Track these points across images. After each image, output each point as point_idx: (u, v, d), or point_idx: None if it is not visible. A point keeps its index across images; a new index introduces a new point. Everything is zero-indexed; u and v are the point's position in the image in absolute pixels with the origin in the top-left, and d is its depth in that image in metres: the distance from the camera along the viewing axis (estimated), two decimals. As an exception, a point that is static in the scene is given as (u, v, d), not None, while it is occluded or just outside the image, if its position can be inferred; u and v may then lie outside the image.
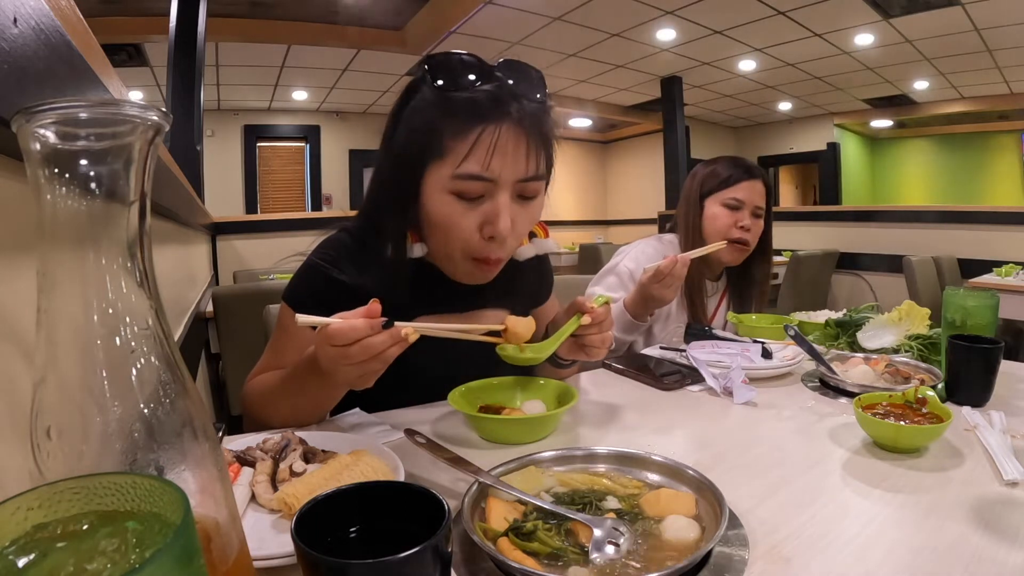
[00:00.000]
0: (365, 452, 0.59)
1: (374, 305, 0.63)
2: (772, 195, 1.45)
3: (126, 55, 4.60)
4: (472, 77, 0.75)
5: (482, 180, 0.74)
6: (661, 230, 1.64)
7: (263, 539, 0.50)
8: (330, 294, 0.79)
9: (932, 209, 4.24)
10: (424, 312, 0.88)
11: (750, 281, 1.51)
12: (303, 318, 0.64)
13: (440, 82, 0.75)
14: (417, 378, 0.87)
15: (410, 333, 0.64)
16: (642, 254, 1.45)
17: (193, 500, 0.25)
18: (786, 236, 4.64)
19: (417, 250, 0.84)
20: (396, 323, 0.63)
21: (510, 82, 0.76)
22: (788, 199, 8.79)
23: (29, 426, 0.28)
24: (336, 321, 0.62)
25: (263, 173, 7.14)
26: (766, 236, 1.45)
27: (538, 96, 0.79)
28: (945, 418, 0.69)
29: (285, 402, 0.77)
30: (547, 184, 0.85)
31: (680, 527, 0.49)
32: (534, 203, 0.81)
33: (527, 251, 0.90)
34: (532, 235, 0.93)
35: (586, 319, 0.82)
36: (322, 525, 0.38)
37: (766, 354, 1.03)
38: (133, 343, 0.29)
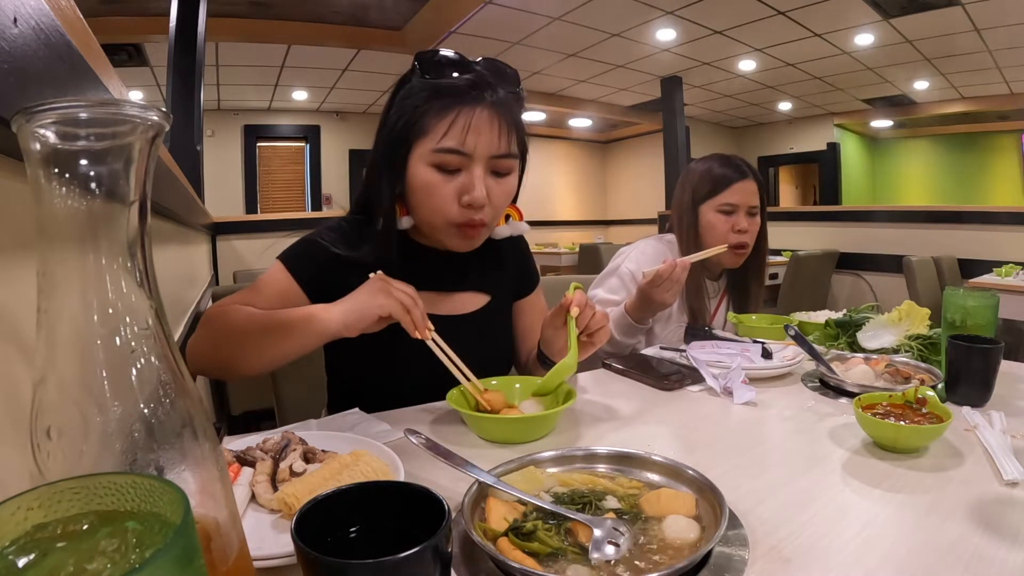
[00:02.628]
0: (365, 452, 0.59)
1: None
2: (765, 191, 1.44)
3: (126, 55, 4.60)
4: (454, 69, 0.85)
5: (458, 154, 0.83)
6: (661, 230, 1.63)
7: (263, 539, 0.50)
8: (325, 264, 0.89)
9: (932, 209, 4.23)
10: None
11: (748, 279, 1.50)
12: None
13: (427, 74, 0.85)
14: (416, 378, 0.88)
15: (430, 328, 0.78)
16: (642, 255, 1.45)
17: (193, 500, 0.25)
18: (786, 236, 4.63)
19: (405, 222, 0.91)
20: (434, 334, 0.79)
21: (487, 74, 0.85)
22: (788, 199, 8.78)
23: (29, 426, 0.28)
24: None
25: (263, 173, 7.13)
26: (761, 233, 1.44)
27: (511, 89, 0.88)
28: (945, 418, 0.69)
29: (255, 335, 0.80)
30: (522, 169, 0.93)
31: (680, 527, 0.49)
32: (508, 179, 0.89)
33: (503, 231, 0.98)
34: (507, 217, 0.98)
35: (575, 310, 0.85)
36: (322, 525, 0.38)
37: (766, 354, 1.03)
38: (133, 343, 0.29)
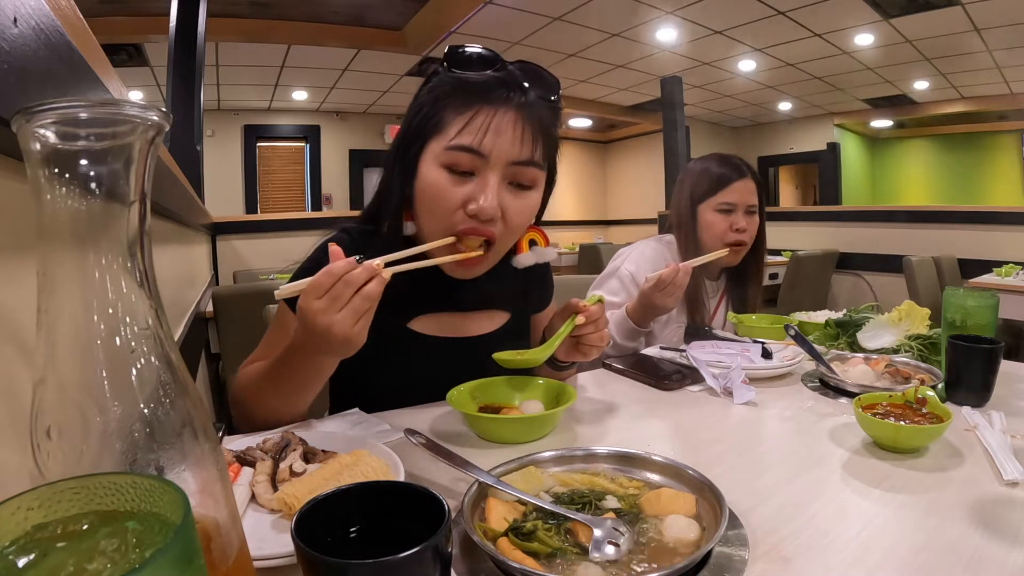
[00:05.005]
0: (365, 452, 0.59)
1: (335, 248, 0.66)
2: (764, 191, 1.44)
3: (126, 55, 4.60)
4: (484, 65, 0.78)
5: (472, 153, 0.75)
6: (661, 230, 1.63)
7: (263, 539, 0.49)
8: None
9: (932, 209, 4.24)
10: (422, 311, 0.88)
11: (747, 279, 1.50)
12: (283, 290, 0.66)
13: (454, 68, 0.78)
14: (416, 379, 0.87)
15: (381, 267, 0.65)
16: (641, 256, 1.45)
17: (193, 500, 0.25)
18: (786, 236, 4.64)
19: (408, 227, 0.83)
20: (366, 261, 0.65)
21: (520, 75, 0.78)
22: (788, 199, 8.78)
23: (29, 426, 0.28)
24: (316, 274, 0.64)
25: (263, 173, 7.13)
26: (760, 232, 1.44)
27: (549, 97, 0.80)
28: (945, 418, 0.69)
29: (273, 387, 0.76)
30: (550, 186, 0.86)
31: (680, 527, 0.49)
32: (529, 195, 0.80)
33: (527, 259, 0.89)
34: (533, 243, 0.91)
35: (580, 319, 0.83)
36: (322, 525, 0.38)
37: (766, 354, 1.03)
38: (133, 343, 0.29)
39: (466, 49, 0.79)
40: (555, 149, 0.83)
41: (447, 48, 0.80)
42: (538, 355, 0.82)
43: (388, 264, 0.67)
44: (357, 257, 0.64)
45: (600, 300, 0.86)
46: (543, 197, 0.86)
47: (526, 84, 0.78)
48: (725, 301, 1.53)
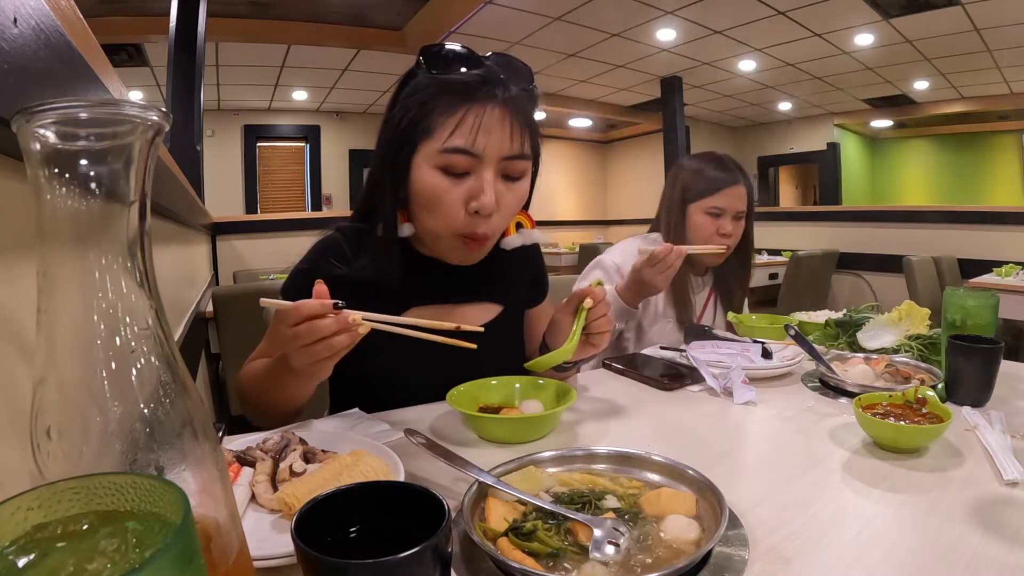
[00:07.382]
0: (365, 452, 0.59)
1: (320, 287, 0.66)
2: (754, 196, 1.44)
3: (126, 55, 4.60)
4: (462, 64, 0.79)
5: (467, 154, 0.77)
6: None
7: (263, 539, 0.50)
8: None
9: (932, 209, 4.24)
10: (416, 303, 0.90)
11: (732, 280, 1.51)
12: (266, 301, 0.67)
13: (433, 70, 0.79)
14: (415, 379, 0.87)
15: (358, 321, 0.64)
16: (627, 252, 1.46)
17: (193, 500, 0.25)
18: (786, 236, 4.64)
19: (405, 229, 0.85)
20: (346, 310, 0.63)
21: (498, 69, 0.80)
22: (788, 199, 8.78)
23: (29, 426, 0.28)
24: (292, 303, 0.64)
25: (263, 173, 7.13)
26: (746, 236, 1.44)
27: (525, 86, 0.82)
28: (945, 418, 0.69)
29: (263, 391, 0.80)
30: (535, 172, 0.88)
31: (680, 527, 0.49)
32: (519, 184, 0.83)
33: (514, 240, 0.92)
34: (519, 226, 0.94)
35: (589, 302, 0.83)
36: (322, 525, 0.38)
37: (766, 354, 1.03)
38: (133, 343, 0.29)
39: (444, 49, 0.80)
40: (538, 136, 0.85)
41: (422, 50, 0.80)
42: (564, 352, 0.82)
43: (369, 320, 0.65)
44: (336, 303, 0.63)
45: (600, 283, 0.87)
46: (531, 183, 0.88)
47: (505, 78, 0.79)
48: (714, 299, 1.54)
